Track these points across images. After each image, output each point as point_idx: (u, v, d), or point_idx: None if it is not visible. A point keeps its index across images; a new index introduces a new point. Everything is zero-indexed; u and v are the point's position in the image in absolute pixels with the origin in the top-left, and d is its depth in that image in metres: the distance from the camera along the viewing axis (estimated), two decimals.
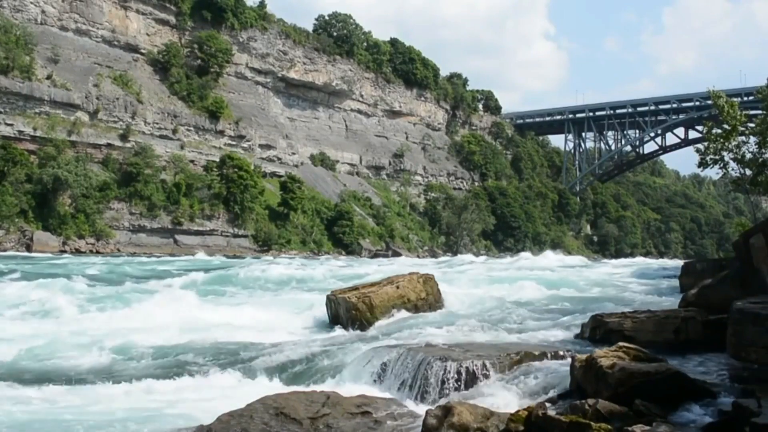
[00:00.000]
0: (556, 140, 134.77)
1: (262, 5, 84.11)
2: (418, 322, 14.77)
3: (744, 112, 26.73)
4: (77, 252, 51.42)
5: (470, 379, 8.96)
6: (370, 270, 32.85)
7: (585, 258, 66.22)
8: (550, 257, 54.31)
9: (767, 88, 31.03)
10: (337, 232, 75.12)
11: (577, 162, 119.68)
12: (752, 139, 26.43)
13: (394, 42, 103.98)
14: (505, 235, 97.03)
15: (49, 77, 58.95)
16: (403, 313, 15.52)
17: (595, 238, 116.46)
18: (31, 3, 62.28)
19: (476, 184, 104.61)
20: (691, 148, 78.01)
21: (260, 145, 78.55)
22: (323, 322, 15.68)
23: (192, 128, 70.62)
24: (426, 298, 16.47)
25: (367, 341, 11.84)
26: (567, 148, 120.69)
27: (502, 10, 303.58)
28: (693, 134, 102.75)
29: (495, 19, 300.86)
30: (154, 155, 63.06)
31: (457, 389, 8.83)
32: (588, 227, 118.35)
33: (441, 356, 9.46)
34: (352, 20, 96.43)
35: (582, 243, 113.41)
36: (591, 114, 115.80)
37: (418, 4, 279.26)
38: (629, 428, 5.71)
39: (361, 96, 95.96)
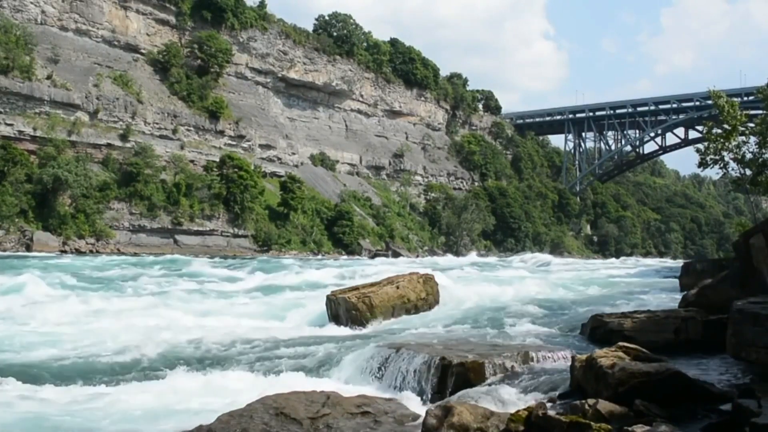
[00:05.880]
0: (556, 140, 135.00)
1: (262, 5, 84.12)
2: (418, 321, 14.78)
3: (744, 112, 26.76)
4: (77, 252, 51.38)
5: (470, 379, 8.96)
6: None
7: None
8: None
9: (767, 88, 31.04)
10: (337, 232, 75.11)
11: (577, 162, 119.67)
12: (752, 139, 26.50)
13: (394, 42, 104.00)
14: (505, 235, 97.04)
15: (49, 77, 58.95)
16: (403, 313, 15.54)
17: (595, 238, 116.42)
18: (31, 3, 62.28)
19: (476, 184, 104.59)
20: (691, 148, 78.01)
21: (260, 145, 78.55)
22: (323, 321, 15.68)
23: (192, 128, 70.62)
24: (426, 298, 16.48)
25: (367, 341, 11.83)
26: (567, 148, 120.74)
27: (500, 10, 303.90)
28: (693, 134, 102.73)
29: (493, 19, 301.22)
30: (154, 155, 63.04)
31: (457, 389, 8.83)
32: (588, 227, 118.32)
33: (441, 356, 9.46)
34: (352, 20, 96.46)
35: (582, 243, 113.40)
36: (591, 114, 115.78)
37: (415, 4, 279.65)
38: (629, 428, 5.71)
39: (361, 96, 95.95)
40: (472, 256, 66.10)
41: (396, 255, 72.20)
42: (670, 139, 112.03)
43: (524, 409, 6.27)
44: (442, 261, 53.80)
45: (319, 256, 66.30)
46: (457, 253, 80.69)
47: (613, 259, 75.60)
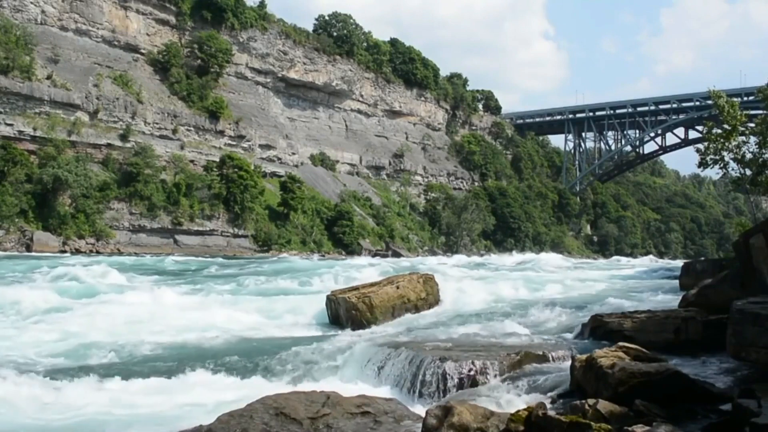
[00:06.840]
0: (556, 140, 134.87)
1: (262, 5, 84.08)
2: (418, 321, 14.80)
3: (744, 112, 26.73)
4: (77, 252, 51.36)
5: (470, 379, 8.97)
6: None
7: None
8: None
9: (767, 88, 30.99)
10: (337, 232, 75.09)
11: (577, 162, 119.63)
12: (752, 139, 26.41)
13: (394, 42, 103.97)
14: (505, 235, 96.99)
15: (49, 77, 58.90)
16: (403, 313, 15.55)
17: (595, 238, 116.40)
18: (31, 3, 62.24)
19: (476, 184, 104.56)
20: (691, 148, 78.01)
21: (260, 145, 78.53)
22: (323, 321, 15.69)
23: (192, 128, 70.57)
24: (426, 298, 16.50)
25: (367, 341, 11.83)
26: (567, 148, 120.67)
27: (499, 10, 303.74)
28: (693, 134, 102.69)
29: (492, 19, 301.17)
30: (154, 155, 62.96)
31: (457, 389, 8.84)
32: (588, 227, 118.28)
33: (441, 356, 9.47)
34: (352, 20, 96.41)
35: (582, 243, 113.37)
36: (591, 114, 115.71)
37: (415, 4, 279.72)
38: (629, 428, 5.70)
39: (361, 96, 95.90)
40: (459, 257, 65.33)
41: (396, 255, 72.18)
42: (670, 139, 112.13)
43: (524, 409, 6.27)
44: (428, 262, 50.88)
45: (318, 256, 66.23)
46: (456, 253, 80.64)
47: (597, 261, 72.10)
